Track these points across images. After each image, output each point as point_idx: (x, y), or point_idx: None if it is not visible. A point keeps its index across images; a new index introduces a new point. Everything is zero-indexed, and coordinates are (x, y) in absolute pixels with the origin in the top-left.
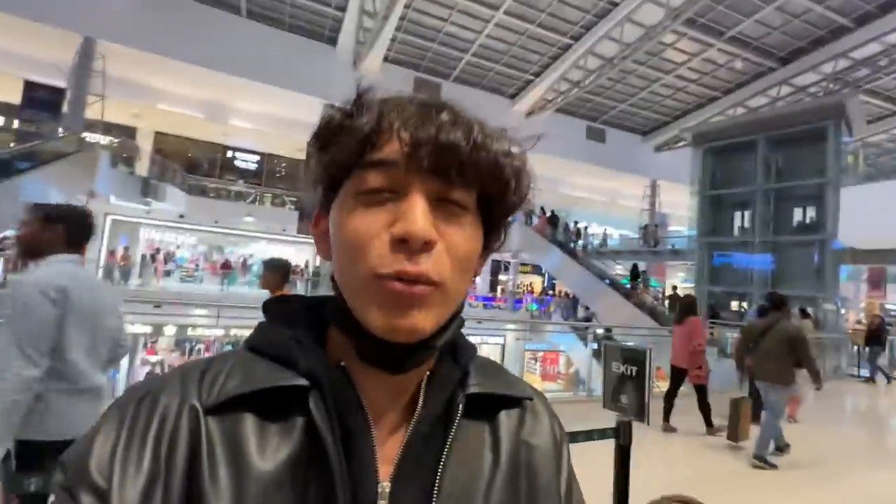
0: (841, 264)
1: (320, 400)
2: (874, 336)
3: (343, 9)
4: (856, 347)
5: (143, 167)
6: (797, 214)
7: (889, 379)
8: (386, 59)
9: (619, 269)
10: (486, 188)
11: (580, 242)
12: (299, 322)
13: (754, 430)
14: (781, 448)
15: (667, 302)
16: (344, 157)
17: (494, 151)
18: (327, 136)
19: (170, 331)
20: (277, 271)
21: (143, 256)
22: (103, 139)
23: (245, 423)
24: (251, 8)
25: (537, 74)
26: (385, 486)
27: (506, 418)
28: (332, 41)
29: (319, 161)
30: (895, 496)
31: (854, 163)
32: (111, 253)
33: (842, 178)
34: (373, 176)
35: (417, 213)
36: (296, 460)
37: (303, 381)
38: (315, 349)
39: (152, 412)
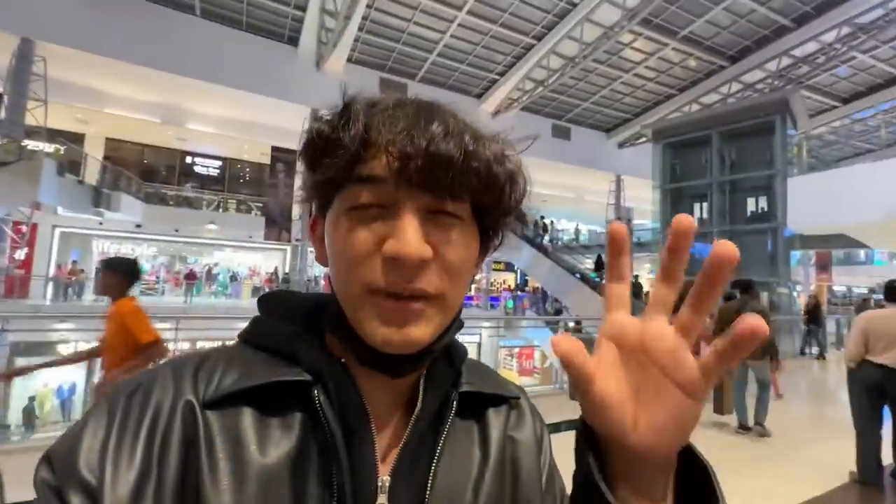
0: (791, 250)
1: (324, 395)
2: (811, 316)
3: (303, 8)
4: (807, 327)
5: (91, 175)
6: (750, 204)
7: (821, 356)
8: (350, 59)
9: (589, 263)
10: (479, 198)
11: (547, 237)
12: (298, 318)
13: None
14: (744, 426)
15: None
16: (332, 174)
17: (486, 159)
18: (314, 153)
19: None
20: (118, 272)
21: (98, 270)
22: (47, 146)
23: (244, 418)
24: (205, 7)
25: (502, 74)
26: (385, 480)
27: (494, 416)
28: (294, 42)
29: (309, 178)
30: (845, 464)
31: (799, 154)
32: (59, 267)
33: (788, 168)
34: (362, 192)
35: (409, 232)
36: (297, 454)
37: (306, 376)
38: (316, 345)
39: (144, 407)
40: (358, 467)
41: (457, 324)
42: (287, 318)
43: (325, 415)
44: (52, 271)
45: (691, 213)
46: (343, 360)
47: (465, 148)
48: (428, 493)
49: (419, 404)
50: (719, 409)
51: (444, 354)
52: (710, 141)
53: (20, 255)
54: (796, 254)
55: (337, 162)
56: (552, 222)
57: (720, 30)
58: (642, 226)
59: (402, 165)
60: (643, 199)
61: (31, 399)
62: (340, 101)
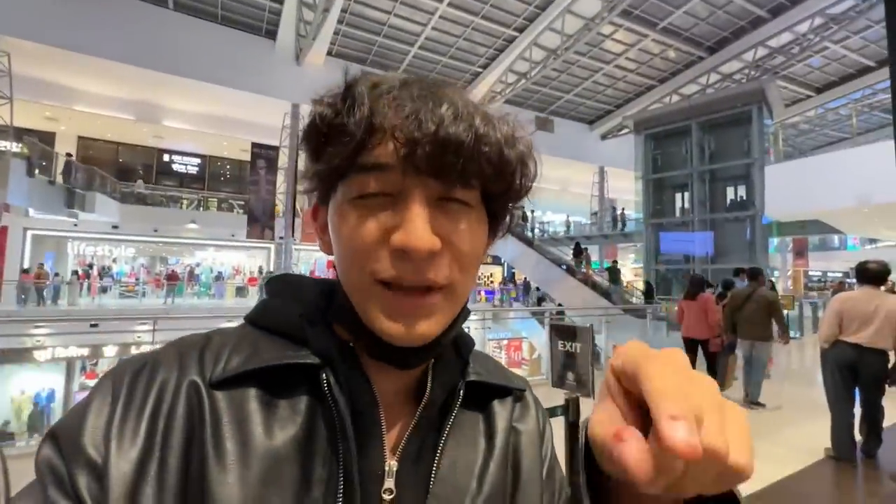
0: (769, 237)
1: (333, 378)
2: None
3: (280, 0)
4: (786, 312)
5: (54, 172)
6: (729, 193)
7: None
8: (330, 53)
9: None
10: (489, 184)
11: (528, 226)
12: (306, 302)
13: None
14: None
15: (606, 275)
16: (336, 163)
17: (497, 142)
18: (317, 140)
19: (110, 351)
20: None
21: (75, 272)
22: (15, 146)
23: (251, 399)
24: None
25: (485, 66)
26: (392, 464)
27: (499, 407)
28: (272, 35)
29: (311, 166)
30: (821, 441)
31: (775, 143)
32: (24, 271)
33: (765, 157)
34: (369, 180)
35: (418, 224)
36: (303, 437)
37: (315, 359)
38: (325, 328)
39: (149, 386)
40: (366, 451)
41: (464, 313)
42: (295, 301)
43: (333, 398)
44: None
45: (673, 202)
46: (351, 344)
47: (476, 131)
48: (433, 479)
49: (427, 392)
50: (722, 386)
51: (452, 344)
52: (689, 131)
53: None
54: (774, 240)
55: (341, 150)
56: (532, 212)
57: (698, 21)
58: (627, 216)
59: (409, 152)
60: (626, 189)
61: (37, 405)
62: (343, 82)
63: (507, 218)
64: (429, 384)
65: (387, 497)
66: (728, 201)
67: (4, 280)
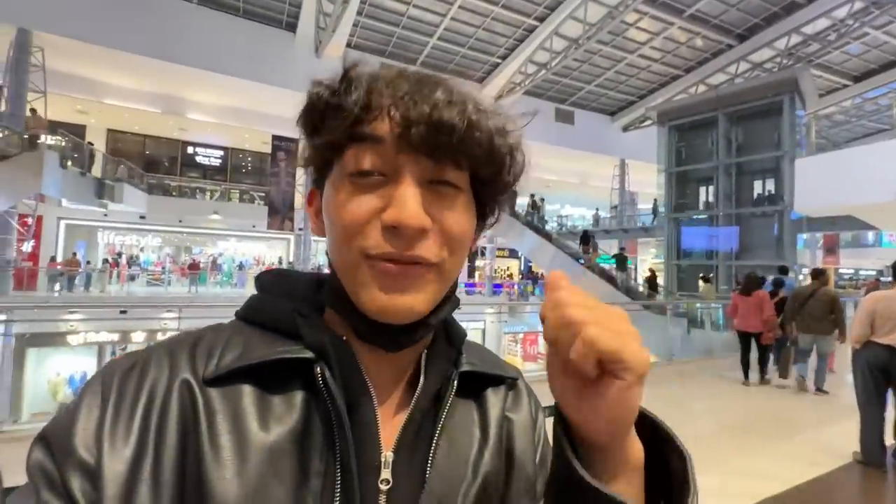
0: (798, 233)
1: (328, 371)
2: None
3: None
4: None
5: (95, 167)
6: (757, 187)
7: None
8: (349, 45)
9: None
10: (479, 168)
11: (537, 214)
12: (297, 296)
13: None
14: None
15: (642, 281)
16: (333, 138)
17: (489, 130)
18: (315, 116)
19: (138, 337)
20: None
21: (105, 261)
22: (49, 138)
23: (245, 395)
24: None
25: (504, 57)
26: (388, 455)
27: (493, 396)
28: (292, 27)
29: (309, 143)
30: (851, 444)
31: (807, 135)
32: (52, 259)
33: (796, 150)
34: (363, 157)
35: (409, 201)
36: (299, 431)
37: (308, 353)
38: (318, 322)
39: (140, 385)
40: (362, 443)
41: (453, 300)
42: (286, 296)
43: (328, 392)
44: (58, 261)
45: (696, 196)
46: (344, 337)
47: (469, 117)
48: (429, 469)
49: (421, 382)
50: (784, 374)
51: (444, 334)
52: (716, 123)
53: (27, 247)
54: (803, 237)
55: (338, 124)
56: (543, 200)
57: (728, 7)
58: (646, 211)
59: (404, 129)
60: (648, 183)
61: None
62: (341, 72)
63: (496, 210)
64: (422, 374)
65: (384, 487)
66: (755, 195)
67: (40, 267)
